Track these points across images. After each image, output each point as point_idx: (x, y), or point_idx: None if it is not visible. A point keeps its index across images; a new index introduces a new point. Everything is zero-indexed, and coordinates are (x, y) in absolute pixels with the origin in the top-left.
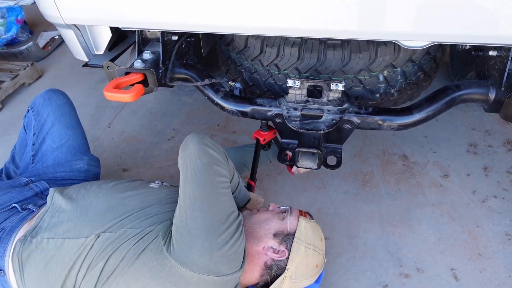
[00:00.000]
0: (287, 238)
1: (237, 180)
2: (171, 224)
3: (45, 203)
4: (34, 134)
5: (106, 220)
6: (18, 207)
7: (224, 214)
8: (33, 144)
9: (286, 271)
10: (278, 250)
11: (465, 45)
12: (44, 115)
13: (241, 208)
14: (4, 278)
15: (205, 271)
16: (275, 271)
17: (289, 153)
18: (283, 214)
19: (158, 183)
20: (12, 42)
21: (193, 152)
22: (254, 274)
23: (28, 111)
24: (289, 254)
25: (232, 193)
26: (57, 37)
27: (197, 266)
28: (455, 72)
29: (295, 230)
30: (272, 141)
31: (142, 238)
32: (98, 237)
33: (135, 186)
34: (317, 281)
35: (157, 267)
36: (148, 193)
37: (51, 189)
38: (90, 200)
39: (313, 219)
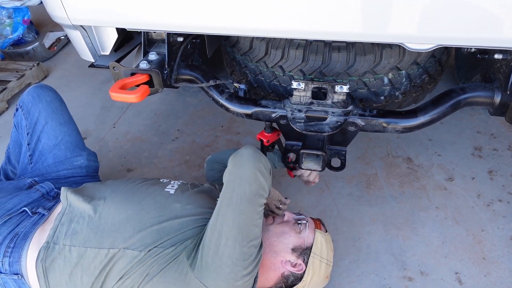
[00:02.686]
0: (304, 252)
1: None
2: (194, 243)
3: (54, 205)
4: (27, 134)
5: (127, 233)
6: (28, 210)
7: (254, 246)
8: (28, 144)
9: (302, 281)
10: (296, 264)
11: (471, 48)
12: (35, 113)
13: None
14: (22, 281)
15: None
16: (291, 281)
17: (291, 156)
18: (299, 226)
19: (173, 185)
20: (18, 42)
21: (245, 175)
22: (269, 282)
23: (17, 109)
24: (306, 267)
25: None
26: (63, 37)
27: None
28: (460, 75)
29: (312, 245)
30: (275, 143)
31: (164, 258)
32: (122, 253)
33: (152, 191)
34: None
35: (182, 285)
36: (165, 202)
37: (62, 189)
38: (107, 207)
39: (326, 230)
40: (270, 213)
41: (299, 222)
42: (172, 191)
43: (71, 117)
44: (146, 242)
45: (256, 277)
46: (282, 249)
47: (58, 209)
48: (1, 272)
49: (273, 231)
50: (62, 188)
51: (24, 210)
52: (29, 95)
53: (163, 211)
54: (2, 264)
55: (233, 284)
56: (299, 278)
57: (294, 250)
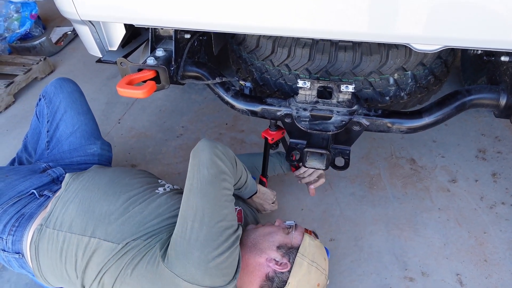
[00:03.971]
0: (290, 251)
1: (245, 178)
2: (168, 236)
3: (59, 188)
4: (48, 122)
5: (110, 224)
6: (36, 193)
7: (223, 227)
8: (47, 131)
9: (287, 285)
10: (281, 263)
11: (477, 50)
12: (56, 102)
13: (247, 199)
14: (23, 260)
15: (200, 283)
16: (276, 283)
17: (295, 154)
18: (288, 229)
19: (166, 188)
20: (25, 37)
21: (203, 162)
22: (253, 285)
23: (40, 99)
24: (291, 267)
25: (239, 189)
26: (70, 32)
27: (193, 277)
28: (466, 77)
29: (299, 245)
30: (280, 141)
31: (139, 251)
32: (101, 243)
33: (142, 191)
34: None
35: (155, 278)
36: (152, 203)
37: (67, 175)
38: (98, 197)
39: (318, 239)
40: (266, 211)
41: (288, 226)
42: (161, 191)
43: (89, 108)
44: (124, 235)
45: (238, 264)
46: (268, 247)
47: (57, 193)
48: (4, 250)
49: (260, 231)
50: (67, 175)
51: (33, 193)
52: (52, 86)
53: (147, 207)
54: (6, 242)
55: (205, 267)
56: (283, 281)
57: (279, 248)
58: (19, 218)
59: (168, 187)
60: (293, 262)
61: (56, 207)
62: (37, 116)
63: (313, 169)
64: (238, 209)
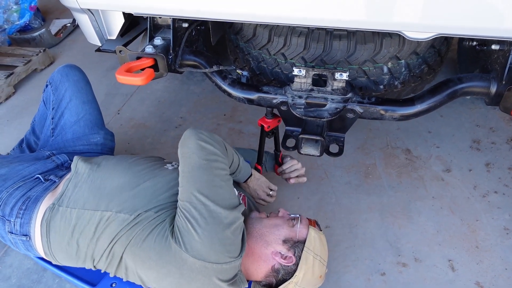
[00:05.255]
0: (296, 245)
1: (237, 161)
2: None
3: (66, 173)
4: (53, 109)
5: (122, 197)
6: (41, 178)
7: (223, 205)
8: (52, 118)
9: (294, 277)
10: (286, 256)
11: (472, 41)
12: (62, 90)
13: (242, 183)
14: (30, 243)
15: (206, 259)
16: (282, 275)
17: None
18: (293, 221)
19: (174, 165)
20: (25, 29)
21: (190, 148)
22: (258, 273)
23: (46, 86)
24: (297, 261)
25: (233, 173)
26: (69, 24)
27: (199, 253)
28: (463, 70)
29: (305, 239)
30: (275, 130)
31: (150, 223)
32: (115, 216)
33: (151, 166)
34: None
35: (163, 251)
36: (162, 177)
37: (75, 157)
38: (108, 174)
39: (320, 230)
40: (261, 201)
41: (293, 218)
42: (170, 168)
43: (94, 97)
44: (136, 206)
45: (243, 243)
46: (273, 240)
47: (67, 176)
48: (12, 232)
49: (266, 223)
50: (75, 157)
51: (38, 177)
52: (58, 73)
53: (158, 181)
54: (14, 225)
55: (209, 243)
56: (290, 273)
57: (285, 241)
58: (26, 201)
59: (175, 164)
60: (300, 256)
61: (68, 188)
62: (44, 102)
63: (295, 169)
64: (242, 195)
